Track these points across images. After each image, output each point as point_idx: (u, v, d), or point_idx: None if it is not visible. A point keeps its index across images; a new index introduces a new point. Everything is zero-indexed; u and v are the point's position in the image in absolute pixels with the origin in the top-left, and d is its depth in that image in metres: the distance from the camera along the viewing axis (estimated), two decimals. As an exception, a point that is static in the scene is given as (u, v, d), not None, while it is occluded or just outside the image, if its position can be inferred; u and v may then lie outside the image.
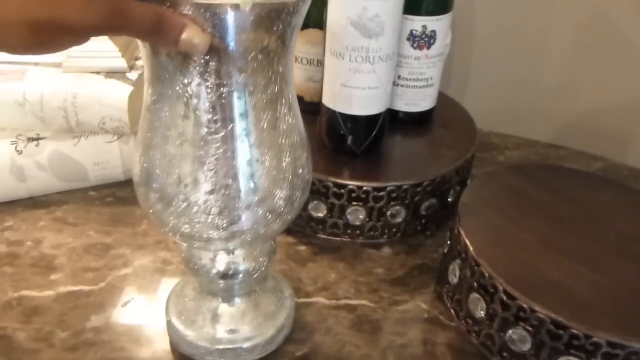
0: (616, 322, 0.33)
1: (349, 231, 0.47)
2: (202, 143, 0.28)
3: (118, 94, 0.48)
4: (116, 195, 0.52)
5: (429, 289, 0.44)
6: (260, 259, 0.36)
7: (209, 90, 0.26)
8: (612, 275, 0.37)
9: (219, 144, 0.28)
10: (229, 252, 0.34)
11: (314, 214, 0.46)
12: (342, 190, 0.44)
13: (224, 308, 0.37)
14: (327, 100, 0.46)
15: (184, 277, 0.41)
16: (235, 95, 0.27)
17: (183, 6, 0.24)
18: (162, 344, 0.38)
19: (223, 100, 0.27)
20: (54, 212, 0.50)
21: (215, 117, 0.27)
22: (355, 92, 0.44)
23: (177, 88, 0.27)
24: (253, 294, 0.38)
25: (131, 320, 0.40)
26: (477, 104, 0.68)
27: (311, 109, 0.50)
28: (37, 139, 0.49)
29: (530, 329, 0.34)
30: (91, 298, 0.42)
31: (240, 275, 0.35)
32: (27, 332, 0.38)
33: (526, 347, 0.35)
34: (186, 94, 0.27)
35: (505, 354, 0.36)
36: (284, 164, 0.30)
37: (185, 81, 0.26)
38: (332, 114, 0.46)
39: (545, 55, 0.66)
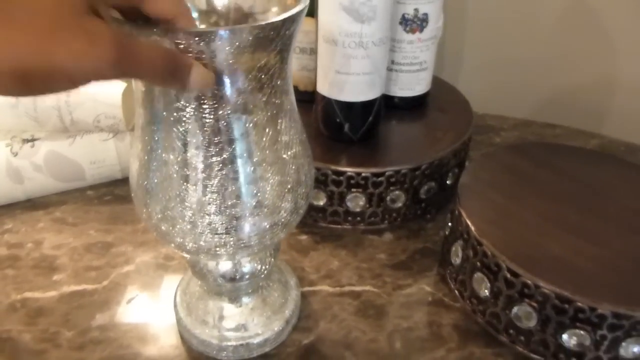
0: (620, 294, 0.33)
1: (349, 218, 0.47)
2: (203, 166, 0.27)
3: (112, 90, 0.48)
4: (114, 194, 0.52)
5: (432, 271, 0.44)
6: (266, 259, 0.36)
7: (207, 113, 0.25)
8: (614, 248, 0.37)
9: (220, 166, 0.27)
10: (235, 258, 0.34)
11: (314, 202, 0.46)
12: (341, 178, 0.44)
13: (232, 306, 0.37)
14: (322, 88, 0.46)
15: (188, 273, 0.41)
16: (234, 116, 0.26)
17: (179, 33, 0.22)
18: (169, 340, 0.38)
19: (223, 122, 0.26)
20: (52, 212, 0.49)
21: (215, 140, 0.26)
22: (349, 79, 0.43)
23: (173, 111, 0.26)
24: (260, 289, 0.38)
25: (136, 317, 0.40)
26: (472, 86, 0.68)
27: (306, 98, 0.50)
28: (32, 140, 0.49)
29: (535, 305, 0.34)
30: (95, 297, 0.42)
31: (247, 277, 0.35)
32: (33, 333, 0.38)
33: (532, 323, 0.35)
34: (183, 118, 0.26)
35: (511, 331, 0.37)
36: (287, 177, 0.30)
37: (182, 104, 0.25)
38: (327, 101, 0.46)
39: (537, 36, 0.66)
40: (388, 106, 0.51)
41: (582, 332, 0.33)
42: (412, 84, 0.51)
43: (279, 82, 0.27)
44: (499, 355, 0.37)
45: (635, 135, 0.64)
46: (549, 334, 0.35)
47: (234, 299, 0.37)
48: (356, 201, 0.45)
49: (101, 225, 0.48)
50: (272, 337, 0.37)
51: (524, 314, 0.35)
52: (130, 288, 0.42)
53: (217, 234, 0.29)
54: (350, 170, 0.44)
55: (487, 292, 0.37)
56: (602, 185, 0.43)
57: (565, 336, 0.34)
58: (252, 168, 0.28)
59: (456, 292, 0.41)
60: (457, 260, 0.40)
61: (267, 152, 0.28)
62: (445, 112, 0.53)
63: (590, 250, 0.36)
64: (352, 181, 0.44)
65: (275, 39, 0.25)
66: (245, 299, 0.37)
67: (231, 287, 0.36)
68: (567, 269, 0.35)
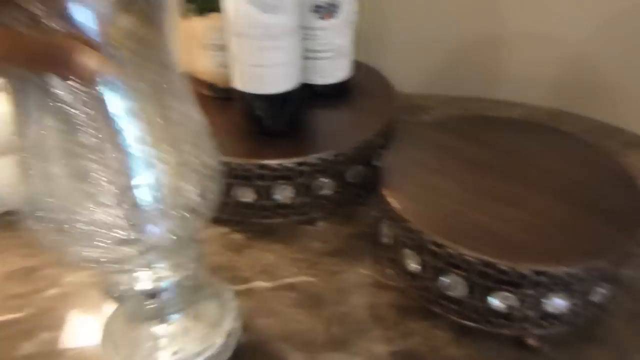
0: (539, 252, 0.34)
1: (280, 211, 0.46)
2: (85, 154, 0.24)
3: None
4: (35, 215, 0.49)
5: (367, 254, 0.44)
6: (188, 265, 0.33)
7: (78, 92, 0.23)
8: (533, 209, 0.38)
9: (106, 152, 0.24)
10: (151, 267, 0.31)
11: (242, 199, 0.45)
12: (265, 171, 0.44)
13: (162, 330, 0.34)
14: (238, 83, 0.45)
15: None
16: (110, 92, 0.24)
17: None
18: None
19: (98, 101, 0.24)
20: (-32, 243, 0.47)
21: (93, 122, 0.24)
22: (264, 71, 0.43)
23: (41, 95, 0.23)
24: (191, 305, 0.35)
25: (69, 340, 0.38)
26: (400, 68, 0.69)
27: (227, 95, 0.49)
28: None
29: (461, 273, 0.35)
30: (20, 325, 0.39)
31: (170, 290, 0.32)
32: (-49, 372, 0.36)
33: (461, 291, 0.36)
34: (53, 101, 0.23)
35: (443, 301, 0.37)
36: (187, 156, 0.28)
37: (49, 85, 0.23)
38: (245, 96, 0.45)
39: (458, 13, 0.68)
40: (311, 95, 0.51)
41: (507, 293, 0.34)
42: (332, 71, 0.51)
43: (157, 55, 0.25)
44: (435, 326, 0.38)
45: (558, 101, 0.67)
46: (478, 299, 0.35)
47: (163, 319, 0.34)
48: (284, 193, 0.45)
49: (23, 250, 0.46)
50: (214, 354, 0.34)
51: (453, 283, 0.36)
52: (60, 311, 0.40)
53: (117, 231, 0.26)
54: (273, 162, 0.43)
55: (416, 267, 0.38)
56: (522, 150, 0.44)
57: (492, 299, 0.35)
58: (143, 149, 0.25)
59: (390, 271, 0.41)
60: (387, 240, 0.40)
61: (157, 129, 0.26)
62: (369, 96, 0.54)
63: (510, 214, 0.37)
64: (277, 173, 0.44)
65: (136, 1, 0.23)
66: (175, 318, 0.34)
67: (155, 305, 0.33)
68: (489, 235, 0.36)
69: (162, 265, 0.31)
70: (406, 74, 0.72)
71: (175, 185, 0.27)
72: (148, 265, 0.31)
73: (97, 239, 0.26)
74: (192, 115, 0.29)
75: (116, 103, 0.24)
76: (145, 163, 0.26)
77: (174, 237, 0.28)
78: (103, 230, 0.26)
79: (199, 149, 0.29)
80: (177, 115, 0.27)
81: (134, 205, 0.26)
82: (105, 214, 0.26)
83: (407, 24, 0.70)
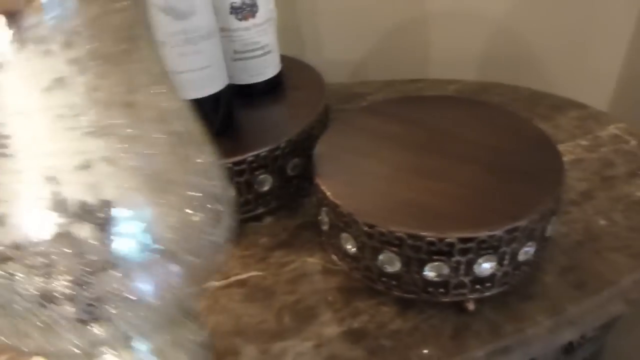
0: (464, 220, 0.36)
1: (225, 212, 0.47)
2: None
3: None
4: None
5: (313, 243, 0.46)
6: (183, 354, 0.23)
7: None
8: (458, 181, 0.40)
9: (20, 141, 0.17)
10: (123, 348, 0.21)
11: (185, 205, 0.46)
12: (203, 174, 0.44)
13: None
14: (165, 91, 0.45)
15: None
16: (39, 47, 0.16)
17: None
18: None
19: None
20: None
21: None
22: (187, 77, 0.44)
23: None
24: None
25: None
26: (335, 60, 0.70)
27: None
28: None
29: (395, 249, 0.37)
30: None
31: None
32: None
33: (397, 266, 0.37)
34: None
35: (384, 279, 0.39)
36: (163, 163, 0.18)
37: None
38: (174, 103, 0.45)
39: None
40: (244, 95, 0.52)
41: (440, 263, 0.36)
42: (261, 69, 0.52)
43: (123, 21, 0.18)
44: (381, 303, 0.40)
45: (490, 74, 0.70)
46: (414, 272, 0.37)
47: None
48: (224, 194, 0.46)
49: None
50: None
51: (388, 260, 0.37)
52: None
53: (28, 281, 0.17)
54: (209, 165, 0.44)
55: (354, 249, 0.39)
56: (449, 126, 0.46)
57: (426, 271, 0.37)
58: (82, 139, 0.17)
59: (334, 256, 0.43)
60: (325, 226, 0.42)
61: (112, 114, 0.18)
62: (301, 90, 0.55)
63: (437, 188, 0.39)
64: (215, 175, 0.45)
65: None
66: None
67: None
68: (417, 210, 0.37)
69: (142, 348, 0.21)
70: (342, 64, 0.74)
71: (145, 204, 0.17)
72: (118, 345, 0.21)
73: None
74: (182, 112, 0.21)
75: (46, 67, 0.17)
76: (76, 164, 0.17)
77: (143, 296, 0.18)
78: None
79: (189, 162, 0.20)
80: (152, 107, 0.20)
81: (64, 238, 0.17)
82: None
83: (336, 14, 0.71)
